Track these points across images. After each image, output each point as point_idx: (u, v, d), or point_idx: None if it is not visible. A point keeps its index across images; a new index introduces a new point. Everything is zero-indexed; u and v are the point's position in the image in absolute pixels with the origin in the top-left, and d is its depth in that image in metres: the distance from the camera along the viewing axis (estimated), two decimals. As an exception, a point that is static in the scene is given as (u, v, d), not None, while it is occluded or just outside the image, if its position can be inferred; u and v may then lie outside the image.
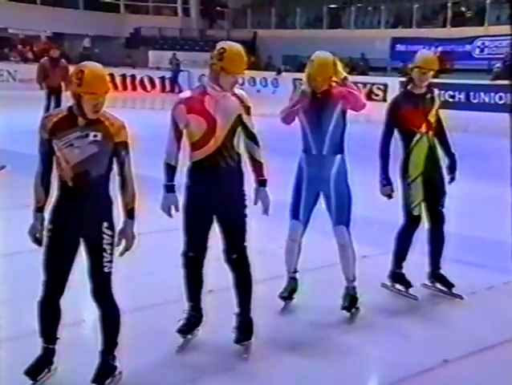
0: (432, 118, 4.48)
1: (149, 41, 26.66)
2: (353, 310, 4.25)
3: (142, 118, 14.18)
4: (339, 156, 4.15)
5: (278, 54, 24.04)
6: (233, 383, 3.49)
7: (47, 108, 12.72)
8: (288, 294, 4.35)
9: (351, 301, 4.23)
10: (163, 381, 3.45)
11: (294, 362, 3.67)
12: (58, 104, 12.74)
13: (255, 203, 3.76)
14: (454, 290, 4.61)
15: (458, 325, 4.20)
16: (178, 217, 3.73)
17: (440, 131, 4.57)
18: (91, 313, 4.17)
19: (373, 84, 20.46)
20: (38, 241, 3.18)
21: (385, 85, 19.26)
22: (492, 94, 18.01)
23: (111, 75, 22.96)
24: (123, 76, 23.07)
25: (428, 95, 4.50)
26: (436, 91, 4.60)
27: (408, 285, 4.62)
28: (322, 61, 4.08)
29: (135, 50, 25.83)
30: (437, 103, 4.54)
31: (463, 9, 22.92)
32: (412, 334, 4.05)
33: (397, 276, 4.66)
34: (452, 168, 4.59)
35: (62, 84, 12.72)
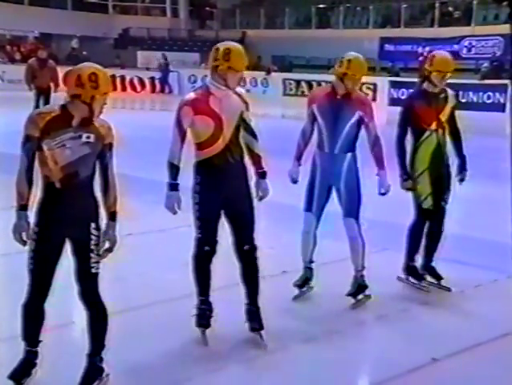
0: (443, 117, 4.58)
1: (138, 41, 26.63)
2: (360, 296, 4.42)
3: (132, 119, 14.17)
4: (349, 154, 4.32)
5: (267, 54, 24.04)
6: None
7: (36, 109, 12.69)
8: (302, 283, 4.51)
9: (357, 288, 4.41)
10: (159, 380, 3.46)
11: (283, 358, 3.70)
12: (47, 104, 12.70)
13: (256, 195, 3.88)
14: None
15: (446, 323, 4.22)
16: (169, 218, 3.74)
17: (454, 132, 4.67)
18: (78, 315, 4.18)
19: (362, 84, 20.42)
20: (23, 241, 3.10)
21: (374, 84, 19.32)
22: (480, 93, 18.13)
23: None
24: (113, 77, 22.87)
25: (442, 95, 4.60)
26: (450, 91, 4.68)
27: (419, 277, 4.76)
28: (359, 59, 4.28)
29: (123, 51, 25.77)
30: (451, 102, 4.63)
31: (450, 9, 23.09)
32: (400, 333, 4.07)
33: (410, 269, 4.78)
34: (462, 169, 4.69)
35: (51, 85, 12.71)
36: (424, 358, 3.66)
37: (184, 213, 3.76)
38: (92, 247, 3.12)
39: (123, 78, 23.15)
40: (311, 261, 4.55)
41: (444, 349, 3.77)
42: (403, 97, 19.70)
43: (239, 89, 3.81)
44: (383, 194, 4.38)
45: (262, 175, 3.90)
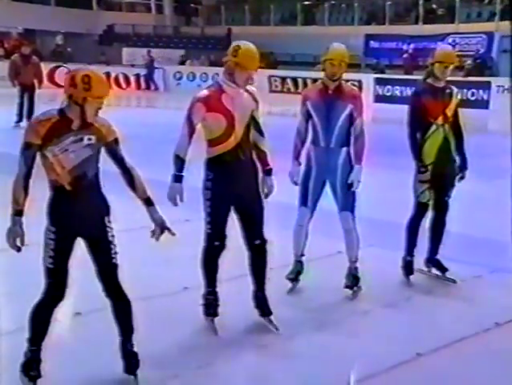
0: (449, 112, 4.67)
1: (123, 38, 26.45)
2: (355, 288, 4.53)
3: (117, 116, 14.09)
4: (345, 149, 4.41)
5: (253, 51, 24.01)
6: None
7: (21, 106, 12.59)
8: (295, 276, 4.60)
9: (353, 280, 4.52)
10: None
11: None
12: (31, 102, 12.60)
13: (262, 191, 3.97)
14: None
15: (431, 318, 4.26)
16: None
17: (456, 129, 4.75)
18: (65, 313, 4.18)
19: (347, 81, 20.13)
20: (17, 247, 3.10)
21: (359, 81, 19.34)
22: (464, 90, 18.22)
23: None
24: (97, 73, 22.83)
25: (448, 90, 4.69)
26: (455, 88, 4.75)
27: (410, 272, 4.86)
28: (337, 46, 4.41)
29: (108, 48, 25.59)
30: (455, 99, 4.71)
31: (434, 6, 23.20)
32: (385, 329, 4.10)
33: (406, 263, 4.87)
34: (462, 167, 4.76)
35: (35, 81, 12.61)
36: (409, 354, 3.69)
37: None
38: (110, 239, 3.23)
39: (108, 75, 22.77)
40: (302, 255, 4.63)
41: (429, 344, 3.80)
42: (388, 94, 19.93)
43: (250, 87, 3.89)
44: (350, 187, 4.40)
45: (268, 172, 4.00)
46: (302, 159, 4.53)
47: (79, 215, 3.14)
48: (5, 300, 4.05)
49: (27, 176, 3.08)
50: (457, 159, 4.79)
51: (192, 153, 3.84)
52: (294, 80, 20.69)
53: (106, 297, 3.31)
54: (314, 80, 21.65)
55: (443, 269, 4.86)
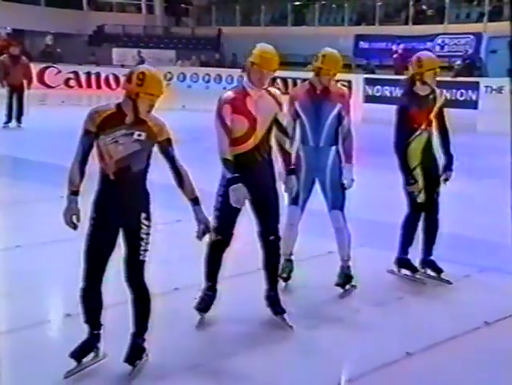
0: (432, 116, 4.74)
1: (113, 38, 26.36)
2: (347, 287, 4.57)
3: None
4: (334, 148, 4.46)
5: (243, 52, 23.85)
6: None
7: (9, 107, 12.54)
8: (287, 275, 4.64)
9: (345, 279, 4.56)
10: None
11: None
12: (20, 102, 12.56)
13: (285, 190, 4.15)
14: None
15: (420, 318, 4.28)
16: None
17: (443, 130, 4.80)
18: (55, 313, 4.18)
19: (337, 81, 20.26)
20: (73, 224, 3.26)
21: (349, 82, 19.39)
22: (454, 90, 18.33)
23: (76, 73, 22.78)
24: (88, 74, 22.77)
25: (431, 96, 4.73)
26: (438, 90, 4.80)
27: (414, 269, 4.89)
28: (334, 55, 4.43)
29: (98, 48, 25.48)
30: (439, 101, 4.76)
31: (424, 7, 23.30)
32: (375, 328, 4.12)
33: (403, 261, 4.91)
34: (447, 169, 4.80)
35: (24, 82, 12.56)
36: (398, 353, 3.71)
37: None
38: (142, 236, 3.34)
39: (98, 75, 22.92)
40: (291, 254, 4.66)
41: (419, 343, 3.82)
42: (378, 94, 19.99)
43: (273, 89, 3.98)
44: (344, 188, 4.45)
45: (291, 171, 4.11)
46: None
47: (118, 205, 3.29)
48: (4, 300, 4.10)
49: (83, 161, 3.28)
50: (443, 159, 4.82)
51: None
52: (284, 80, 20.69)
53: (127, 287, 3.40)
54: (304, 80, 21.83)
55: (438, 271, 4.88)
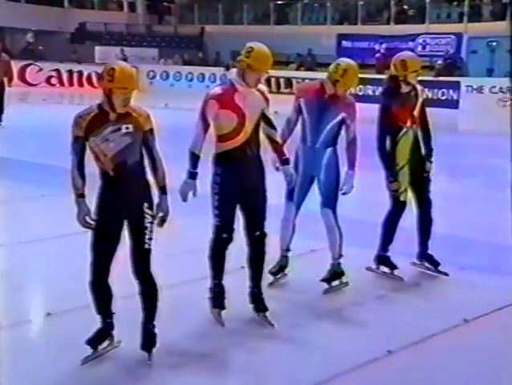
0: (416, 113, 4.81)
1: (95, 36, 26.17)
2: (336, 283, 4.63)
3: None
4: (330, 149, 4.51)
5: (226, 50, 23.96)
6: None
7: (-9, 104, 12.38)
8: (277, 271, 4.67)
9: (332, 275, 4.63)
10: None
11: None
12: (1, 100, 12.42)
13: (285, 180, 4.17)
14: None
15: (401, 316, 4.32)
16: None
17: (424, 126, 4.89)
18: (36, 313, 4.16)
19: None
20: (88, 224, 3.38)
21: (332, 81, 19.46)
22: (435, 90, 18.48)
23: (58, 71, 22.58)
24: (70, 72, 22.62)
25: (413, 92, 4.80)
26: (419, 87, 4.87)
27: (393, 267, 4.94)
28: (354, 70, 4.45)
29: (80, 46, 25.28)
30: (421, 98, 4.85)
31: (405, 7, 23.45)
32: (355, 326, 4.14)
33: (383, 258, 4.97)
34: (426, 159, 4.88)
35: (5, 80, 12.43)
36: (379, 351, 3.73)
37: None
38: (146, 225, 3.44)
39: (80, 73, 22.76)
40: (288, 250, 4.70)
41: (400, 341, 3.85)
42: (360, 93, 20.06)
43: (261, 86, 4.00)
44: (343, 193, 4.52)
45: (285, 161, 4.14)
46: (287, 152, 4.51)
47: (120, 199, 3.38)
48: (3, 294, 4.10)
49: (80, 164, 3.39)
50: (423, 151, 4.89)
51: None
52: (267, 79, 20.71)
53: (135, 279, 3.48)
54: (287, 80, 21.80)
55: (435, 264, 4.98)
